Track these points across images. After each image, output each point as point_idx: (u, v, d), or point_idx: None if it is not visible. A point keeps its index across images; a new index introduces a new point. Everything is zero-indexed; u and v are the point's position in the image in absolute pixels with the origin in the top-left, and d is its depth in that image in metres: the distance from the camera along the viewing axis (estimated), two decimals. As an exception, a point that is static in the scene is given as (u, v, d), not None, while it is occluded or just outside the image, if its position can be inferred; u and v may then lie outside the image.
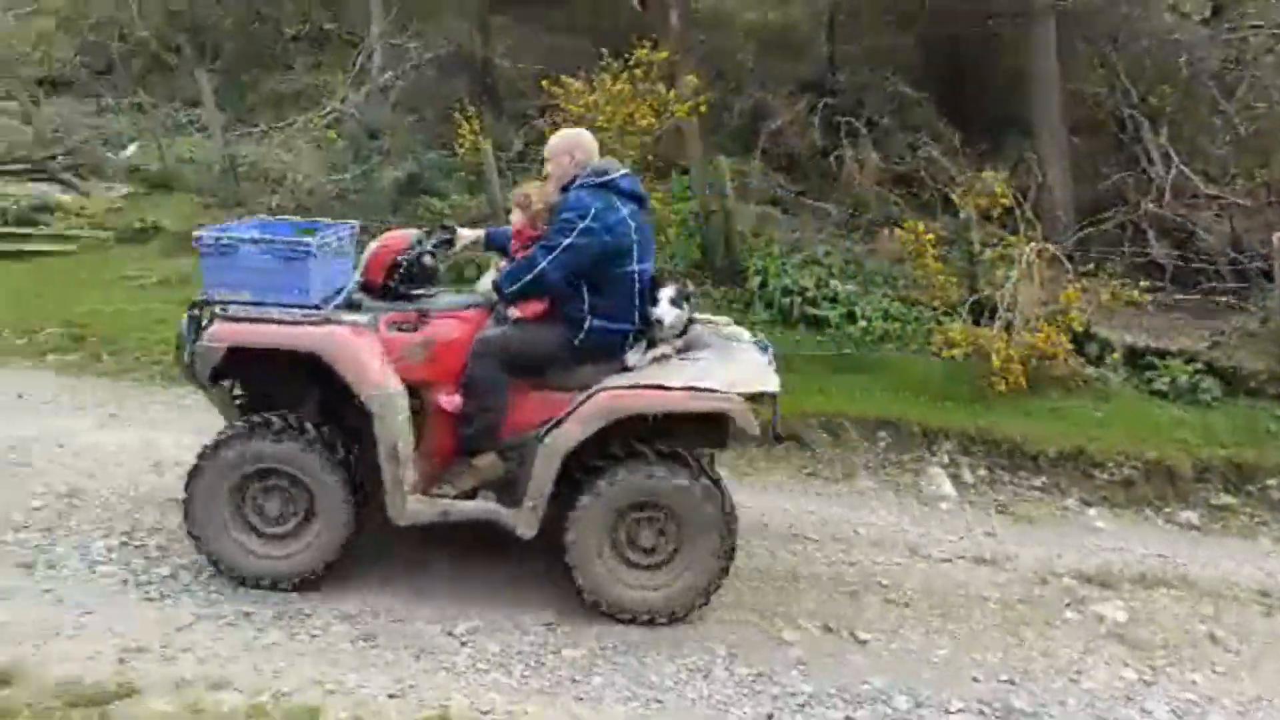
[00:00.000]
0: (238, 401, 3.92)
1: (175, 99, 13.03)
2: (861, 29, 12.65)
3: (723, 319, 4.30)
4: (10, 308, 7.46)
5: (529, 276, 3.56)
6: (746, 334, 4.11)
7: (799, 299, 7.54)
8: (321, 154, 10.43)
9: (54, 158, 11.40)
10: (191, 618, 3.50)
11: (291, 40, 14.02)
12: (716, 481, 3.63)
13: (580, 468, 3.58)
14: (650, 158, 8.31)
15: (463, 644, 3.48)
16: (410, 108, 11.63)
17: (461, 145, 9.39)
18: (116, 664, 3.18)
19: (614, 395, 3.49)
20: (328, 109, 11.12)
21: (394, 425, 3.53)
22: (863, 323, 7.31)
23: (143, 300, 7.66)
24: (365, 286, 3.80)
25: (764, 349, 3.90)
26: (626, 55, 8.02)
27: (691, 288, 3.80)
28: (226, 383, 3.83)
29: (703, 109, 8.38)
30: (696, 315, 3.95)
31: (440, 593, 3.80)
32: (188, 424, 5.20)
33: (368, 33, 12.53)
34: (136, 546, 4.02)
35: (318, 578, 3.69)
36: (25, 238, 9.35)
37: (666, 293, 3.66)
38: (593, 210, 3.55)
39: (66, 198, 10.44)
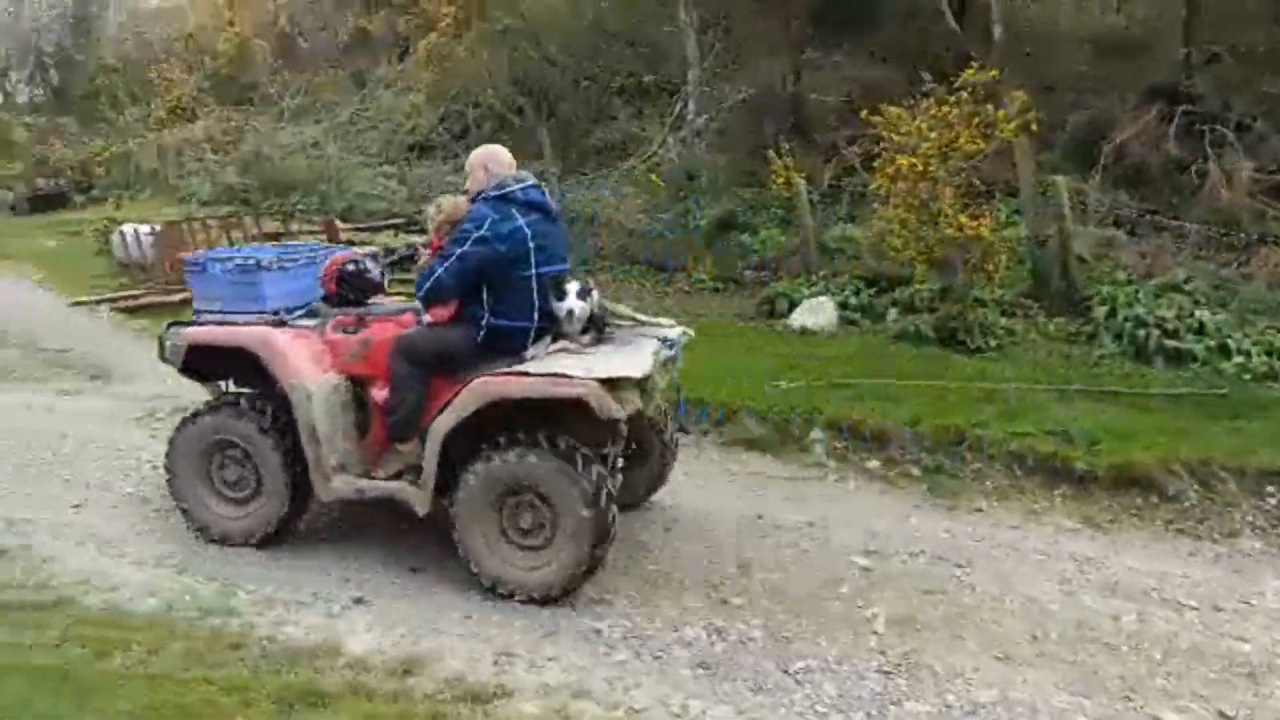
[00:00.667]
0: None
1: (520, 154, 14.52)
2: (1225, 25, 11.11)
3: (668, 321, 4.38)
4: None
5: (428, 283, 3.88)
6: (675, 331, 4.25)
7: (1155, 331, 6.71)
8: (642, 198, 11.07)
9: (420, 212, 13.19)
10: (553, 629, 3.74)
11: (616, 93, 15.11)
12: (594, 465, 3.69)
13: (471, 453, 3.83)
14: (975, 182, 7.86)
15: (798, 683, 3.43)
16: (723, 148, 12.03)
17: (774, 181, 9.51)
18: (493, 666, 3.47)
19: (484, 383, 3.73)
20: (648, 154, 11.79)
21: (310, 412, 4.03)
22: (1239, 358, 6.33)
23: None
24: (325, 298, 4.40)
25: (670, 345, 4.07)
26: (952, 78, 7.68)
27: (592, 284, 4.01)
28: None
29: (1033, 127, 7.79)
30: (643, 317, 4.28)
31: (773, 625, 3.79)
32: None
33: (685, 81, 13.17)
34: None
35: (258, 542, 4.27)
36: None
37: (572, 288, 3.92)
38: (487, 221, 3.83)
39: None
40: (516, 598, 3.84)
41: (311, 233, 11.83)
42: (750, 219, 10.38)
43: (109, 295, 11.34)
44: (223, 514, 4.36)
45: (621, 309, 4.34)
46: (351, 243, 11.43)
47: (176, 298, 10.83)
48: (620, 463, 4.29)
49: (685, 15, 12.69)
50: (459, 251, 3.84)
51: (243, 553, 4.39)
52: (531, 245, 3.88)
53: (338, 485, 4.10)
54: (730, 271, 9.36)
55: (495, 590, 3.87)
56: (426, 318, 4.18)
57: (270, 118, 17.83)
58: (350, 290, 4.38)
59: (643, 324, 4.29)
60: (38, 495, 5.28)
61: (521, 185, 3.95)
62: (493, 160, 4.07)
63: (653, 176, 11.17)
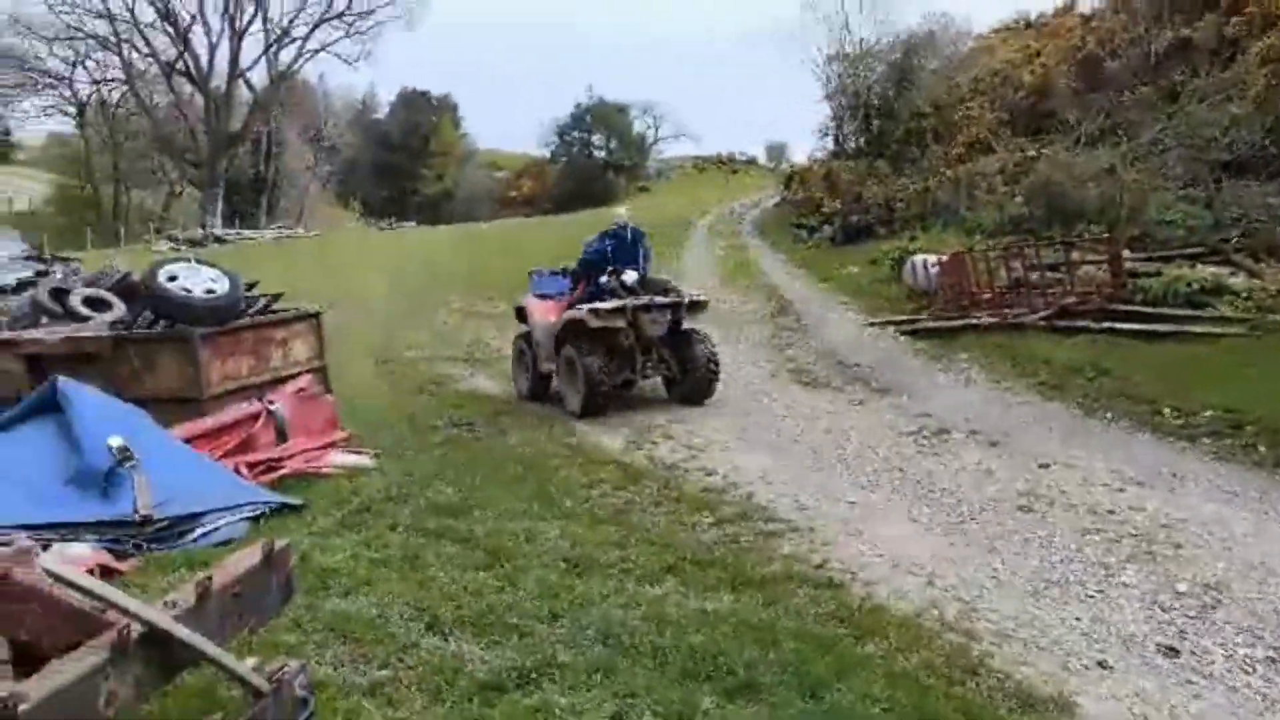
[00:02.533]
0: None
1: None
2: None
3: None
4: (1170, 388, 7.80)
5: None
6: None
7: None
8: None
9: (1229, 240, 11.44)
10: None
11: None
12: (587, 359, 8.41)
13: None
14: None
15: None
16: None
17: None
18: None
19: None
20: None
21: (535, 334, 9.55)
22: None
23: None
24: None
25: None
26: None
27: None
28: None
29: None
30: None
31: None
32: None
33: None
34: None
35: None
36: (1189, 319, 9.53)
37: None
38: None
39: (1238, 279, 10.33)
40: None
41: (1095, 262, 11.31)
42: None
43: (897, 318, 12.64)
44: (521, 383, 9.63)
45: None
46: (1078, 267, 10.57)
47: (956, 323, 11.50)
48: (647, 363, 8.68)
49: None
50: None
51: (1002, 585, 4.49)
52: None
53: (545, 368, 9.19)
54: None
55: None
56: None
57: (1065, 145, 17.58)
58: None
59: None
60: (823, 485, 6.24)
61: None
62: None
63: None
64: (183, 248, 31.23)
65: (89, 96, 45.04)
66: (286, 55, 45.92)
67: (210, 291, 6.18)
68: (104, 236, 36.60)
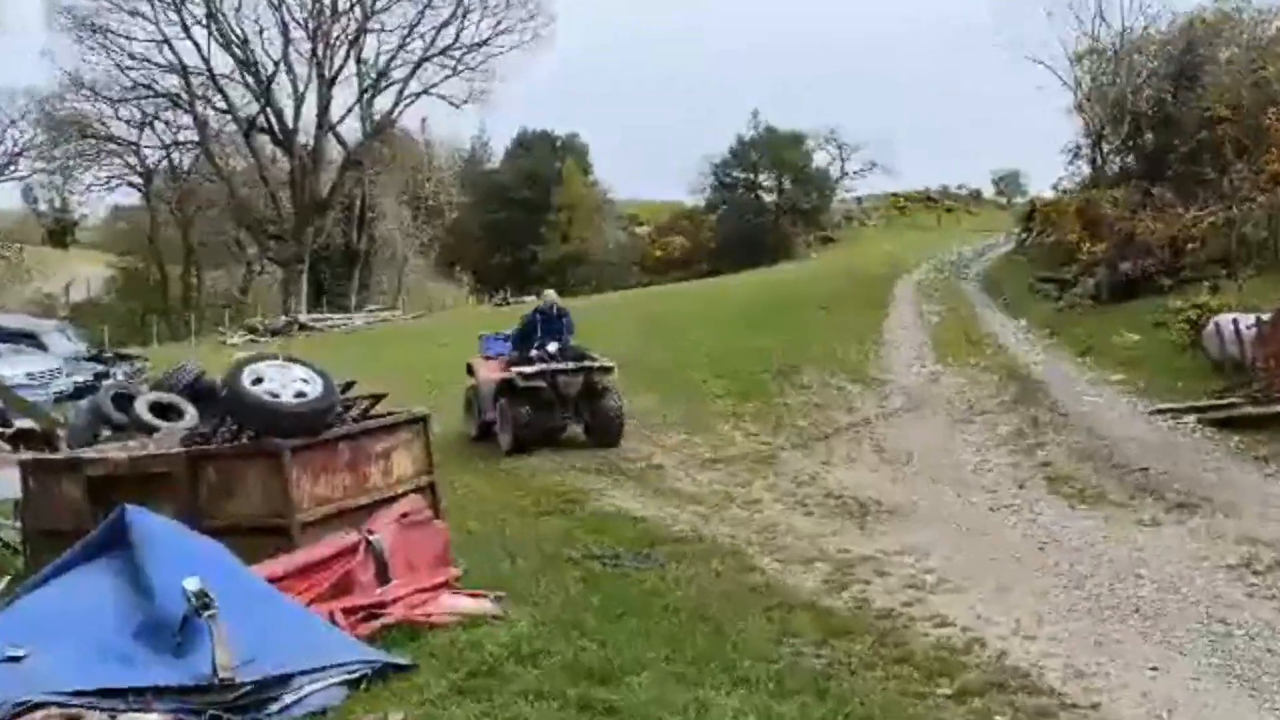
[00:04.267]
0: None
1: None
2: None
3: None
4: None
5: None
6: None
7: None
8: None
9: None
10: None
11: None
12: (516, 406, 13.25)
13: None
14: None
15: None
16: None
17: None
18: None
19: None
20: None
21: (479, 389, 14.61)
22: None
23: None
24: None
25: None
26: None
27: None
28: None
29: None
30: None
31: None
32: None
33: None
34: None
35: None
36: None
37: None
38: None
39: None
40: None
41: None
42: None
43: (1197, 404, 12.00)
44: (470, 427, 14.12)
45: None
46: None
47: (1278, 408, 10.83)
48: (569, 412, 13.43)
49: None
50: None
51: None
52: None
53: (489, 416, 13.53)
54: None
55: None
56: None
57: None
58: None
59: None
60: (1108, 641, 5.90)
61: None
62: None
63: None
64: (265, 339, 33.56)
65: (158, 163, 49.68)
66: (383, 102, 49.16)
67: (301, 395, 6.57)
68: (172, 327, 39.87)
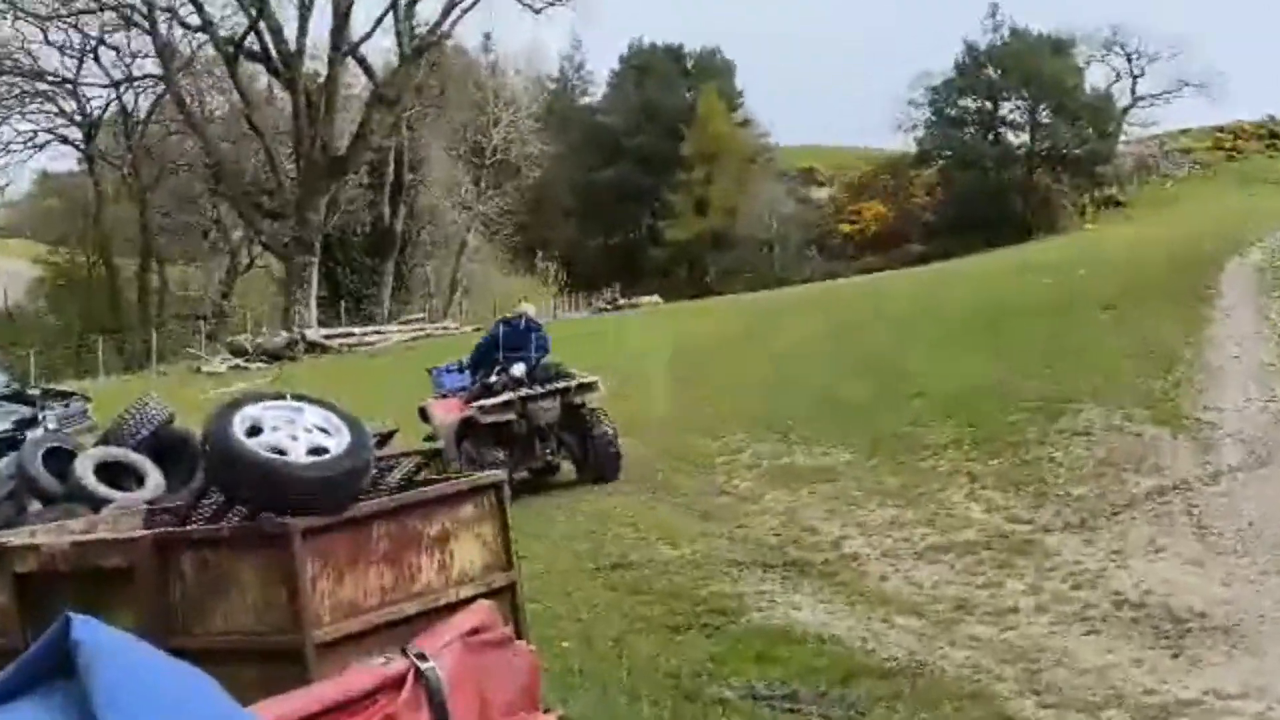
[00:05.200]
0: None
1: None
2: None
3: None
4: None
5: None
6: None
7: None
8: None
9: None
10: None
11: None
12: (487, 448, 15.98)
13: None
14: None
15: None
16: None
17: None
18: None
19: None
20: None
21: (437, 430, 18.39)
22: None
23: None
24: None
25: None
26: None
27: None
28: None
29: None
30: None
31: None
32: None
33: None
34: None
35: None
36: None
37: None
38: None
39: None
40: None
41: None
42: None
43: None
44: None
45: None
46: None
47: None
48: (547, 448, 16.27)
49: None
50: None
51: None
52: None
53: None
54: None
55: None
56: None
57: None
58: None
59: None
60: None
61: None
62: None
63: None
64: (258, 365, 33.96)
65: (104, 109, 50.66)
66: (428, 9, 50.00)
67: (318, 450, 6.62)
68: (125, 349, 40.64)
